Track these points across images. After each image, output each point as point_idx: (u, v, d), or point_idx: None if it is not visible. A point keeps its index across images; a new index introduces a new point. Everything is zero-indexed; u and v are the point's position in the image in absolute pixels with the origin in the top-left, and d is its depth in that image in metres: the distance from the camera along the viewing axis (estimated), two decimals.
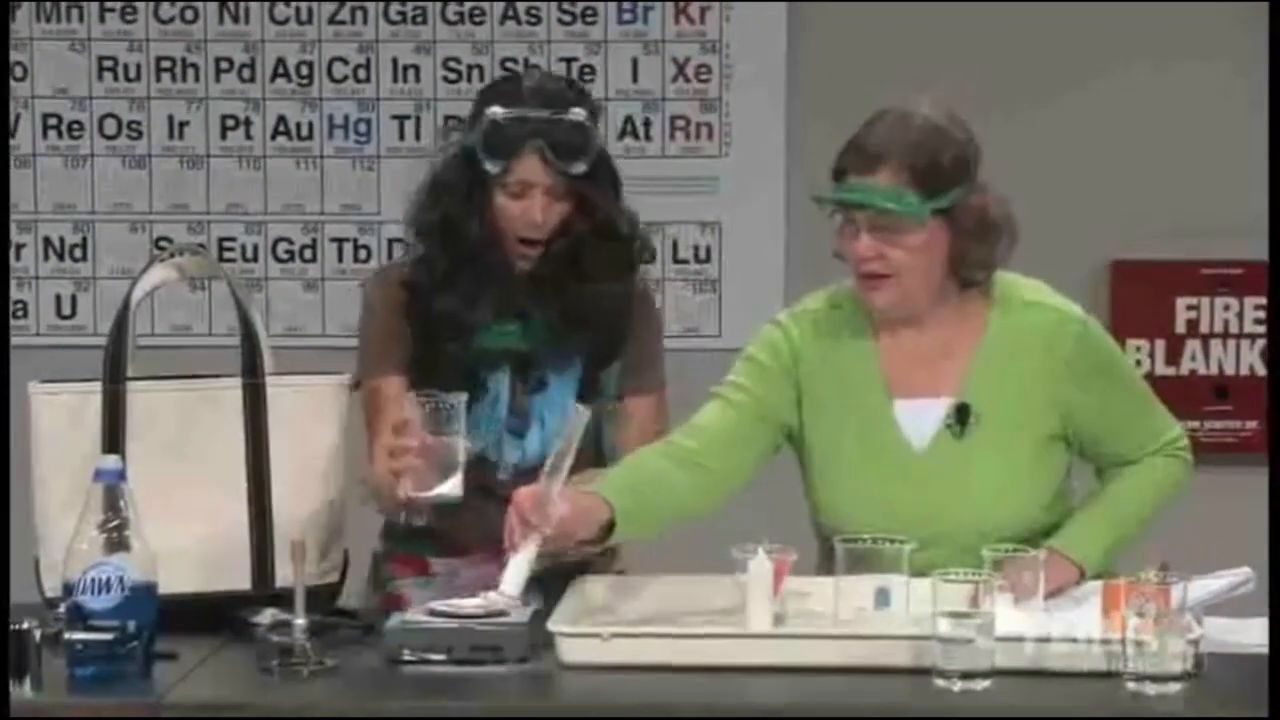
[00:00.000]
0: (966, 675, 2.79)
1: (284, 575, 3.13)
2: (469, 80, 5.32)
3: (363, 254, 5.40)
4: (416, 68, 5.37)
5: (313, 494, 3.24)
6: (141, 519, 2.88)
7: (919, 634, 2.87)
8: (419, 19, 5.36)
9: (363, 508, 3.41)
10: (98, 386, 3.21)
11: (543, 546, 3.06)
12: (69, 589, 2.86)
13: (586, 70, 5.29)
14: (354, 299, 5.20)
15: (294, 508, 3.21)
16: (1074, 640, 2.87)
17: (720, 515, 3.27)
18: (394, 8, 5.36)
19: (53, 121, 5.40)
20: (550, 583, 3.21)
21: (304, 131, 5.40)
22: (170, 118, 5.40)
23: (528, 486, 3.08)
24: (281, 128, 5.40)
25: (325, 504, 3.26)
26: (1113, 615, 2.90)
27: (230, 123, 5.40)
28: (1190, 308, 5.35)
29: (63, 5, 5.37)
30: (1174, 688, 2.77)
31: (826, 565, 3.24)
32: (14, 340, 5.20)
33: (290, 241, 5.43)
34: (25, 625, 2.81)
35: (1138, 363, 5.20)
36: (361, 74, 5.38)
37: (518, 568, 3.05)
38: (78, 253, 5.42)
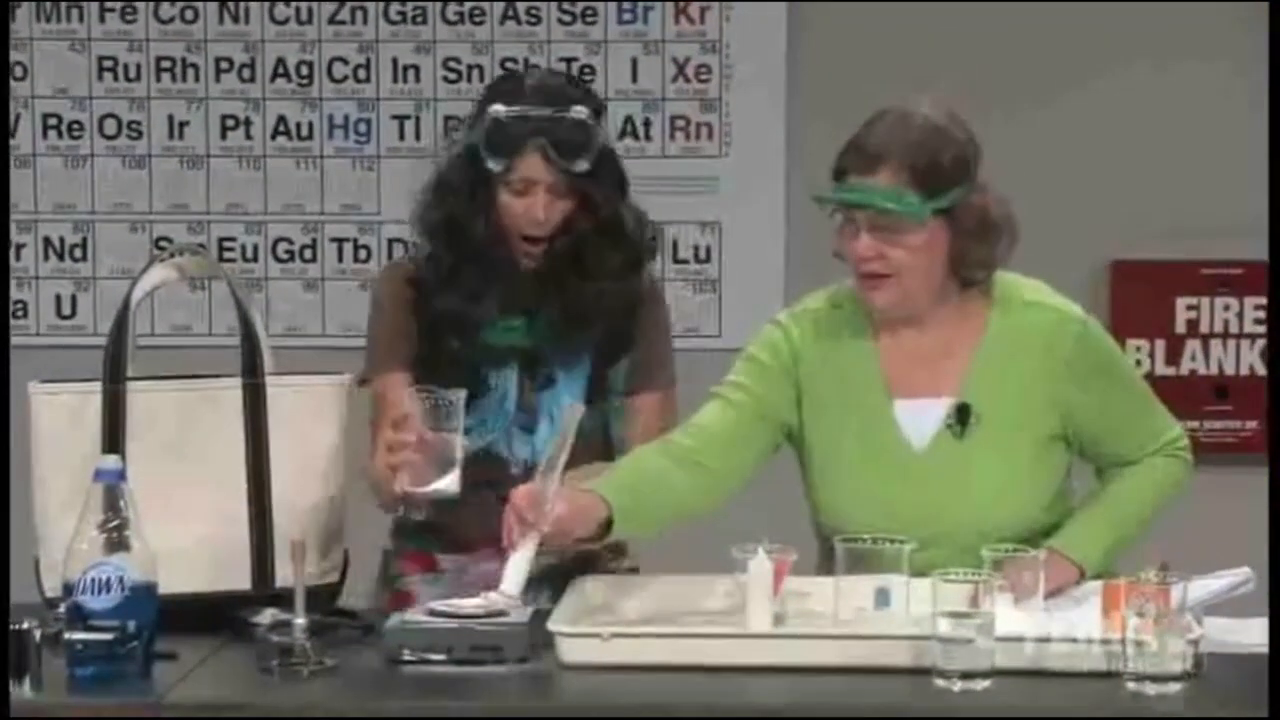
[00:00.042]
0: (966, 675, 2.79)
1: (284, 575, 3.13)
2: (469, 80, 5.32)
3: (363, 254, 5.41)
4: (416, 68, 5.37)
5: (313, 494, 3.25)
6: (141, 519, 2.88)
7: (919, 634, 2.87)
8: (419, 19, 5.36)
9: (373, 506, 3.41)
10: (98, 386, 3.21)
11: (541, 545, 3.06)
12: (69, 589, 2.86)
13: (586, 70, 5.29)
14: (354, 299, 5.26)
15: (294, 508, 3.21)
16: (1074, 640, 2.87)
17: (720, 515, 3.27)
18: (394, 8, 5.36)
19: (53, 121, 5.40)
20: (559, 581, 3.22)
21: (304, 131, 5.40)
22: (170, 118, 5.40)
23: (524, 485, 3.09)
24: (281, 128, 5.40)
25: (325, 504, 3.26)
26: (1113, 615, 2.90)
27: (230, 123, 5.40)
28: (1190, 308, 5.35)
29: (63, 5, 5.37)
30: (1174, 688, 2.77)
31: (826, 565, 3.24)
32: (14, 340, 5.21)
33: (290, 241, 5.43)
34: (25, 625, 2.81)
35: (1138, 363, 5.20)
36: (361, 74, 5.38)
37: (517, 567, 3.05)
38: (78, 253, 5.42)
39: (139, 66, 5.38)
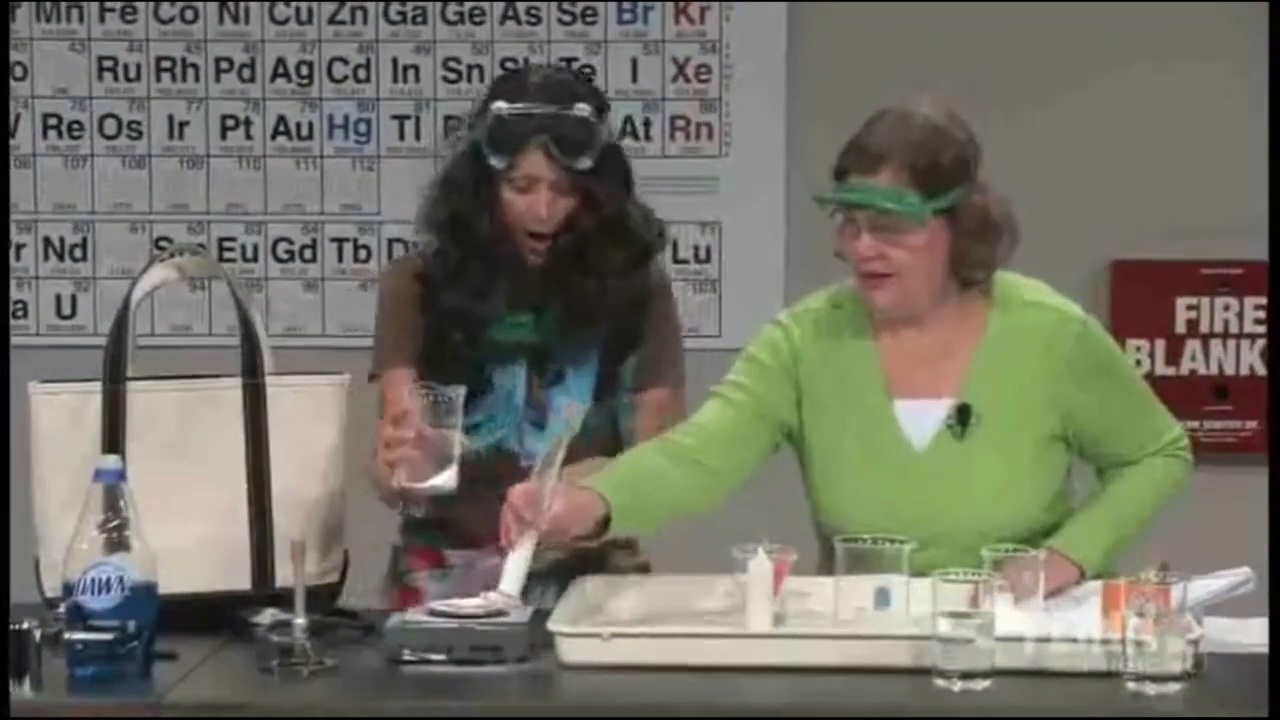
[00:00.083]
0: (966, 675, 2.79)
1: (284, 575, 3.13)
2: (469, 80, 5.32)
3: (363, 254, 5.41)
4: (416, 68, 5.37)
5: (313, 494, 3.25)
6: (141, 519, 2.88)
7: (919, 634, 2.87)
8: (419, 19, 5.36)
9: (377, 503, 3.42)
10: (98, 386, 3.21)
11: (539, 543, 3.06)
12: (69, 589, 2.86)
13: (586, 70, 5.29)
14: (354, 299, 5.27)
15: (294, 508, 3.21)
16: (1074, 640, 2.87)
17: (720, 515, 3.27)
18: (394, 8, 5.36)
19: (53, 121, 5.40)
20: (566, 577, 3.22)
21: (304, 131, 5.40)
22: (170, 118, 5.40)
23: (522, 484, 3.09)
24: (281, 128, 5.40)
25: (325, 504, 3.26)
26: (1113, 615, 2.90)
27: (230, 123, 5.40)
28: (1190, 308, 5.35)
29: (63, 5, 5.37)
30: (1174, 688, 2.77)
31: (826, 565, 3.24)
32: (14, 340, 5.21)
33: (290, 241, 5.43)
34: (25, 625, 2.81)
35: (1138, 363, 5.20)
36: (361, 74, 5.38)
37: (515, 566, 3.05)
38: (78, 253, 5.42)
39: (139, 66, 5.38)
